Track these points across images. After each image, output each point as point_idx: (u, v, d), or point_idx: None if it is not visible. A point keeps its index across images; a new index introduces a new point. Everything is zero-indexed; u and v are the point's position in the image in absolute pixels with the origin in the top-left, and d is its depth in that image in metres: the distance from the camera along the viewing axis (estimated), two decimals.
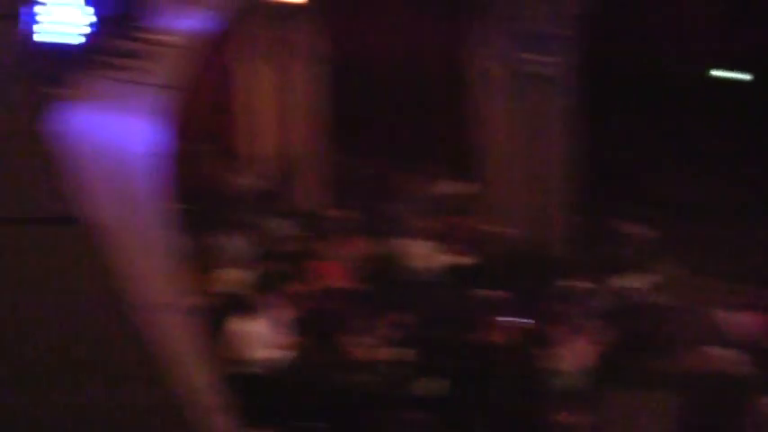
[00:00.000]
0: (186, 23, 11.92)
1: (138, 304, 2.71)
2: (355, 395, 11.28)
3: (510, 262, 15.11)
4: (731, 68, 18.01)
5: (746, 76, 18.06)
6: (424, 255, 14.82)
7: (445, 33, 18.15)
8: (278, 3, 17.05)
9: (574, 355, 11.64)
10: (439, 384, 11.30)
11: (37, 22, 6.68)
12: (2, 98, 4.39)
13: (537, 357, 11.55)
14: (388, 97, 18.25)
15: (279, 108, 18.35)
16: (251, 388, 10.76)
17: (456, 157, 17.73)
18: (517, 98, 17.17)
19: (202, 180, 15.86)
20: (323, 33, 18.24)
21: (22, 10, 5.87)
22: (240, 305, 11.83)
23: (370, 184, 17.42)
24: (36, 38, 6.62)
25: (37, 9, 6.84)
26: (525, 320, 12.10)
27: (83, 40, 9.40)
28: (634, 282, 14.02)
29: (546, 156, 17.17)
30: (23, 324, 2.52)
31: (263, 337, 11.65)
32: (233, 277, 12.89)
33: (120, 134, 9.04)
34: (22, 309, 2.64)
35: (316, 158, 18.41)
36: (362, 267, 14.30)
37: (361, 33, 18.48)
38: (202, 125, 16.47)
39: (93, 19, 9.55)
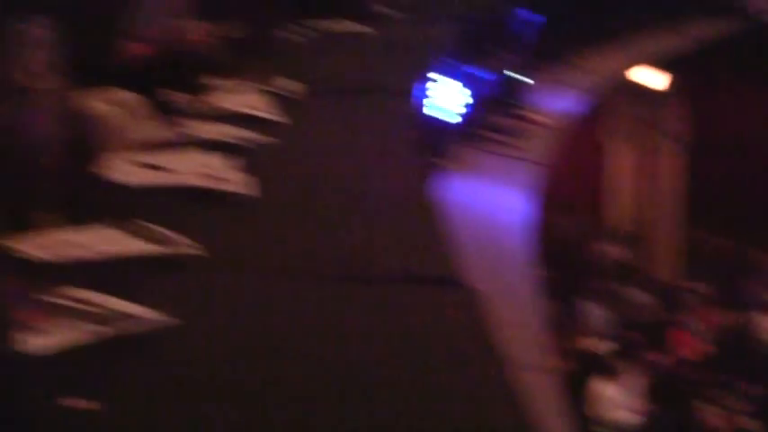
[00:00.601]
0: (556, 103, 11.95)
1: (509, 363, 2.61)
2: None
3: None
4: None
5: None
6: None
7: None
8: (642, 86, 16.94)
9: None
10: None
11: (427, 97, 6.73)
12: (396, 166, 4.38)
13: None
14: (745, 176, 17.75)
15: (639, 183, 18.18)
16: None
17: None
18: None
19: (567, 249, 15.81)
20: (684, 115, 17.97)
21: (416, 86, 5.92)
22: (598, 369, 11.65)
23: (725, 259, 16.94)
24: (424, 112, 6.66)
25: (428, 85, 6.90)
26: None
27: (461, 117, 9.55)
28: None
29: None
30: (397, 382, 2.46)
31: (618, 401, 11.44)
32: (592, 343, 12.74)
33: (494, 203, 9.07)
34: (400, 366, 2.58)
35: (673, 232, 18.12)
36: (716, 339, 13.89)
37: (719, 116, 18.09)
38: (568, 197, 16.44)
39: (470, 100, 9.69)
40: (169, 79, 5.53)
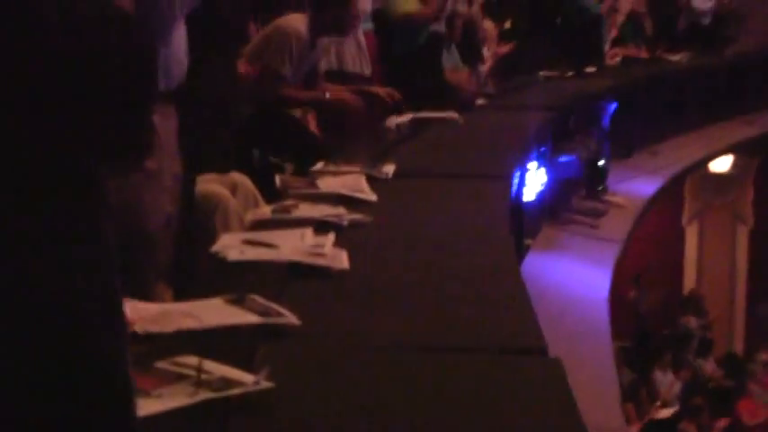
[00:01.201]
0: (636, 187, 11.91)
1: (588, 429, 2.54)
2: None
3: None
4: None
5: None
6: None
7: None
8: (715, 171, 16.87)
9: None
10: None
11: (516, 181, 6.63)
12: (489, 245, 4.31)
13: None
14: None
15: (710, 260, 18.02)
16: None
17: None
18: None
19: (641, 321, 15.67)
20: (753, 198, 17.78)
21: (508, 171, 5.85)
22: None
23: None
24: (514, 194, 6.57)
25: (518, 169, 6.80)
26: None
27: (546, 199, 9.54)
28: None
29: None
30: None
31: None
32: (663, 410, 12.55)
33: (576, 279, 9.00)
34: (490, 429, 2.51)
35: (740, 305, 17.91)
36: None
37: None
38: (643, 274, 16.32)
39: (555, 183, 9.66)
40: (285, 163, 5.54)
